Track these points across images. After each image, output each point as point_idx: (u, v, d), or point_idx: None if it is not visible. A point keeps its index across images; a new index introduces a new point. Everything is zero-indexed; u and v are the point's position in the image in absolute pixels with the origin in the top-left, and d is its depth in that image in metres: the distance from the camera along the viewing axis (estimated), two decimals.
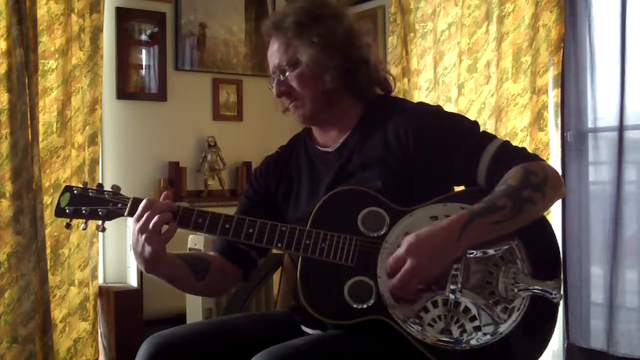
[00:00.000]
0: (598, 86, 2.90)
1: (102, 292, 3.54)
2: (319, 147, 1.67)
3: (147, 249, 1.46)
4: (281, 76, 1.60)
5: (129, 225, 3.03)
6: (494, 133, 1.97)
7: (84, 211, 1.53)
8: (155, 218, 1.45)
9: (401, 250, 1.39)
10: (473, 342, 1.40)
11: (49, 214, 3.25)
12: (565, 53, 2.96)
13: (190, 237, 3.01)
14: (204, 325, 1.74)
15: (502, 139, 1.54)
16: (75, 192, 1.54)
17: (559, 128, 3.00)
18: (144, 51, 3.85)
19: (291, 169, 1.69)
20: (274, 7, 4.20)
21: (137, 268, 3.51)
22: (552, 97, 3.00)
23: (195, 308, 3.12)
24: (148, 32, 3.85)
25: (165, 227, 1.46)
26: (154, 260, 1.48)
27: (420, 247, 1.37)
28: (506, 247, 1.43)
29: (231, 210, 1.62)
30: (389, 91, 1.68)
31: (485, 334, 1.40)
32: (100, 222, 1.54)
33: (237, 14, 4.13)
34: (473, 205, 1.41)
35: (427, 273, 1.38)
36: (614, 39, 2.81)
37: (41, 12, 3.29)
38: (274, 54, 1.61)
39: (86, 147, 3.46)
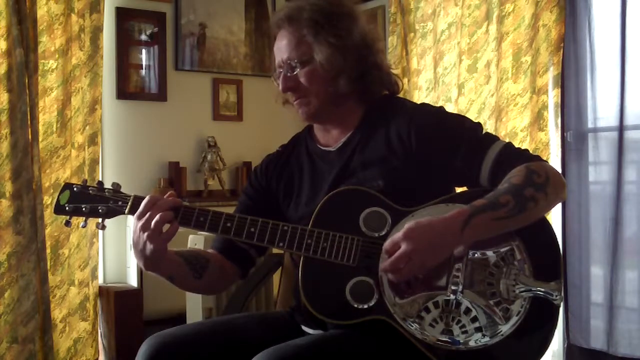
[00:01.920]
0: (598, 86, 2.90)
1: (102, 292, 3.54)
2: (320, 146, 1.67)
3: (148, 247, 1.46)
4: (289, 71, 1.58)
5: (129, 225, 3.03)
6: (494, 133, 1.97)
7: (83, 209, 1.52)
8: (157, 217, 1.44)
9: (399, 234, 1.38)
10: (472, 343, 1.40)
11: (49, 214, 3.25)
12: (565, 53, 2.96)
13: (191, 236, 3.01)
14: (204, 325, 1.74)
15: (505, 140, 1.54)
16: (75, 189, 1.54)
17: (559, 128, 3.00)
18: (144, 51, 3.85)
19: (292, 168, 1.69)
20: (274, 7, 4.20)
21: (137, 268, 3.51)
22: (552, 97, 3.00)
23: (195, 308, 3.12)
24: (148, 32, 3.84)
25: (166, 226, 1.46)
26: (154, 259, 1.48)
27: (418, 233, 1.37)
28: (507, 247, 1.43)
29: (231, 211, 1.61)
30: (395, 93, 1.67)
31: (485, 335, 1.40)
32: (100, 220, 1.54)
33: (237, 14, 4.13)
34: (475, 201, 1.41)
35: (422, 260, 1.37)
36: (614, 39, 2.81)
37: (41, 12, 3.29)
38: (284, 47, 1.58)
39: (86, 147, 3.46)
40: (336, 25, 1.55)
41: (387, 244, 1.40)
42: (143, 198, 1.49)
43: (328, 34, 1.54)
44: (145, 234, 1.45)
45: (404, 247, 1.36)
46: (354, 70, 1.56)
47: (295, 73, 1.57)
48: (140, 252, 1.48)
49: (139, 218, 1.46)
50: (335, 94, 1.57)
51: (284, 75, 1.58)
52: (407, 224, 1.38)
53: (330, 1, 1.58)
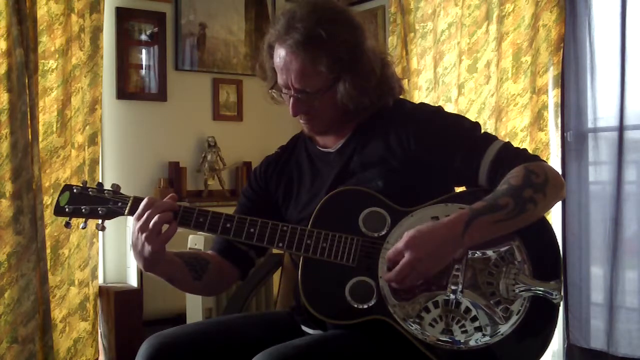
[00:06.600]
0: (598, 86, 2.90)
1: (102, 292, 3.54)
2: (319, 147, 1.66)
3: (147, 248, 1.46)
4: (305, 100, 1.53)
5: (129, 226, 3.03)
6: (494, 133, 1.97)
7: (83, 210, 1.52)
8: (156, 218, 1.44)
9: (400, 243, 1.39)
10: (473, 342, 1.40)
11: (49, 214, 3.25)
12: (565, 53, 2.96)
13: (191, 237, 3.01)
14: (204, 325, 1.74)
15: (504, 140, 1.54)
16: (74, 190, 1.54)
17: (559, 128, 3.00)
18: (144, 51, 3.85)
19: (292, 169, 1.69)
20: (274, 7, 4.20)
21: (137, 268, 3.51)
22: (552, 97, 3.00)
23: (195, 308, 3.12)
24: (148, 32, 3.85)
25: (165, 227, 1.46)
26: (153, 260, 1.48)
27: (420, 241, 1.37)
28: (507, 247, 1.43)
29: (231, 211, 1.61)
30: (396, 96, 1.67)
31: (485, 335, 1.40)
32: (100, 221, 1.54)
33: (237, 14, 4.13)
34: (475, 204, 1.41)
35: (426, 268, 1.38)
36: (614, 39, 2.81)
37: (41, 12, 3.29)
38: (296, 73, 1.51)
39: (86, 147, 3.46)
40: (359, 63, 1.51)
41: (390, 253, 1.40)
42: (142, 199, 1.49)
43: (353, 75, 1.50)
44: (144, 235, 1.45)
45: (407, 256, 1.37)
46: (374, 100, 1.55)
47: (310, 100, 1.53)
48: (139, 253, 1.48)
49: (138, 219, 1.46)
50: (347, 115, 1.57)
51: (296, 100, 1.54)
52: (407, 233, 1.39)
53: (339, 22, 1.52)
